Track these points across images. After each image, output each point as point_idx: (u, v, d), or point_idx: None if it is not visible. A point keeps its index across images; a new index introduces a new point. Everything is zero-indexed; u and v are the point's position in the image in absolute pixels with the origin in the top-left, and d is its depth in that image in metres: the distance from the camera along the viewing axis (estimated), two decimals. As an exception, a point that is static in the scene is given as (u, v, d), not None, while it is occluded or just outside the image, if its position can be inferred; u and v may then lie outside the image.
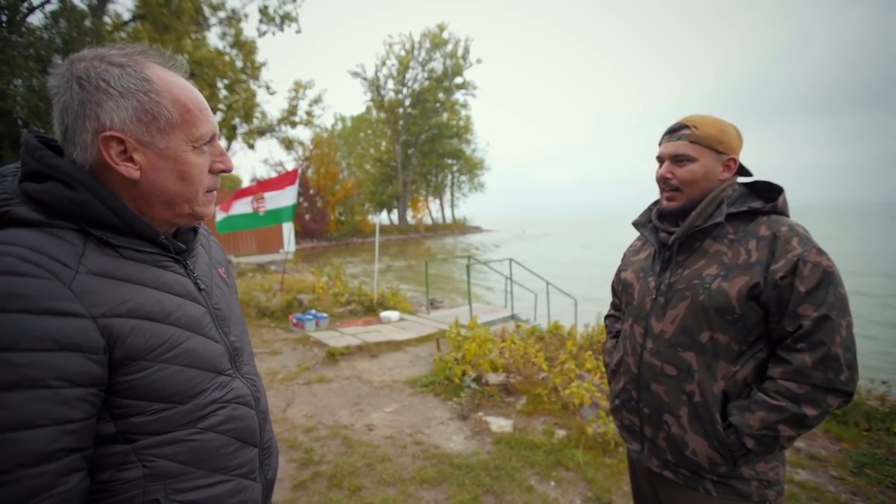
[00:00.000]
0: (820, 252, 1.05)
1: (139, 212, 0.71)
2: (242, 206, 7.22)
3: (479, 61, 46.99)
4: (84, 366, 0.60)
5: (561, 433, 3.17)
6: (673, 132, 1.19)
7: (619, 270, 1.43)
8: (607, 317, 1.54)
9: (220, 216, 7.30)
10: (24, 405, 0.56)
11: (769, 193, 1.19)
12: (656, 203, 1.32)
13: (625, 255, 1.46)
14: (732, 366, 1.10)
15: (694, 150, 1.15)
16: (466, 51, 45.85)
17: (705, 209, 1.16)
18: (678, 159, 1.17)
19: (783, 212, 1.14)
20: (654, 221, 1.29)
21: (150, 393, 0.66)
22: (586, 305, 8.91)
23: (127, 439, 0.66)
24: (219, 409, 0.75)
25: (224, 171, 0.79)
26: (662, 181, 1.20)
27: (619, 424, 1.35)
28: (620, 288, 1.40)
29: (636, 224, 1.34)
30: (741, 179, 1.25)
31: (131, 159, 0.68)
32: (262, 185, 7.49)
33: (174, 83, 0.71)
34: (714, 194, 1.17)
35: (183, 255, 0.79)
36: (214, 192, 0.79)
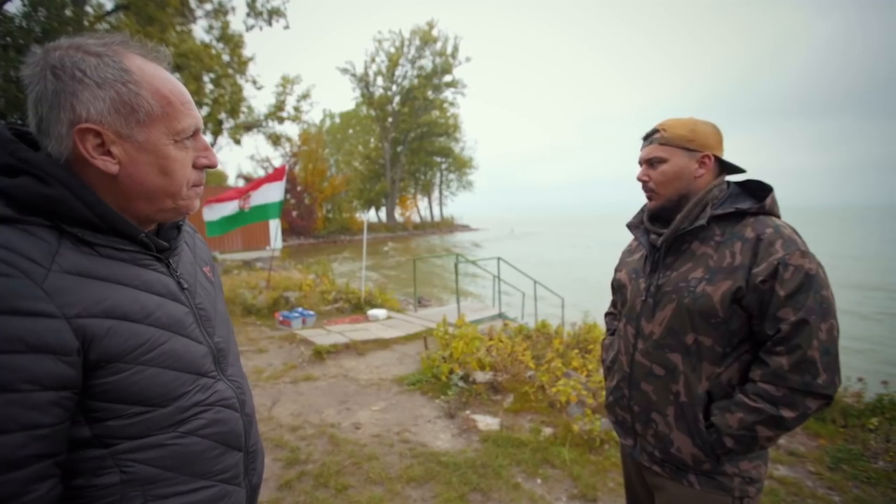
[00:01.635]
0: (804, 255, 1.04)
1: (119, 208, 0.69)
2: (230, 209, 7.22)
3: (468, 59, 47.07)
4: (55, 368, 0.57)
5: (547, 431, 3.19)
6: (647, 137, 1.23)
7: (616, 270, 1.45)
8: (607, 314, 1.57)
9: (207, 216, 7.25)
10: None
11: (761, 193, 1.18)
12: None
13: (622, 254, 1.47)
14: (717, 367, 1.12)
15: (664, 151, 1.18)
16: (456, 49, 45.82)
17: (691, 211, 1.17)
18: (651, 162, 1.21)
19: (772, 212, 1.13)
20: (645, 223, 1.30)
21: (127, 396, 0.64)
22: (573, 305, 8.98)
23: (104, 443, 0.64)
24: (201, 412, 0.73)
25: (209, 167, 0.76)
26: (641, 184, 1.25)
27: (612, 420, 1.38)
28: (616, 287, 1.42)
29: (629, 226, 1.36)
30: (733, 178, 1.24)
31: (109, 153, 0.65)
32: (250, 186, 7.47)
33: (155, 75, 0.68)
34: (700, 196, 1.17)
35: (165, 253, 0.77)
36: (200, 187, 0.77)
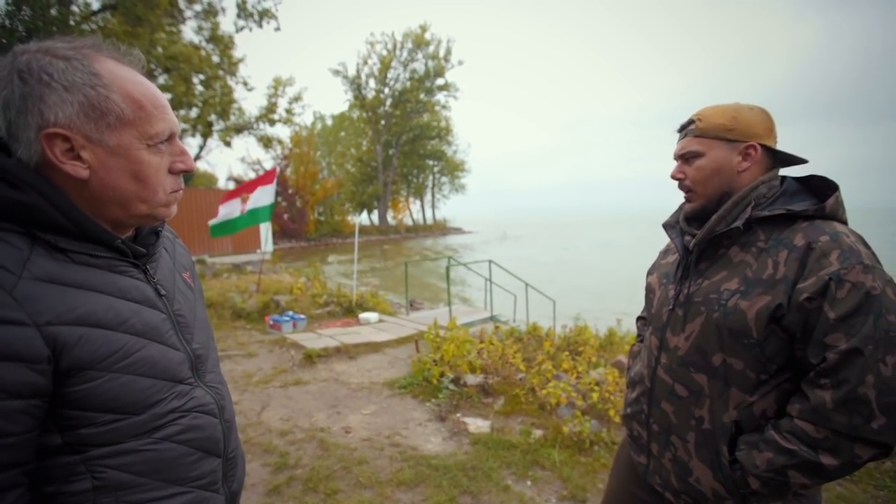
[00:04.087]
0: (867, 270, 0.86)
1: (92, 213, 0.68)
2: (234, 209, 7.20)
3: (460, 63, 47.14)
4: (25, 376, 0.57)
5: (538, 433, 3.20)
6: (682, 129, 1.10)
7: (648, 273, 1.30)
8: (638, 318, 1.42)
9: (212, 220, 7.23)
10: None
11: (825, 192, 0.99)
12: None
13: (657, 256, 1.32)
14: (748, 395, 0.96)
15: (700, 144, 1.04)
16: (448, 52, 45.93)
17: (730, 211, 1.02)
18: (686, 157, 1.07)
19: (835, 216, 0.95)
20: (680, 223, 1.16)
21: (100, 403, 0.64)
22: (564, 307, 9.02)
23: (75, 450, 0.64)
24: (178, 418, 0.72)
25: (185, 172, 0.76)
26: (677, 182, 1.11)
27: (627, 433, 1.25)
28: (646, 291, 1.28)
29: (665, 225, 1.21)
30: (793, 173, 1.06)
31: (79, 157, 0.65)
32: (246, 187, 7.45)
33: (127, 78, 0.67)
34: (742, 193, 1.01)
35: (143, 259, 0.76)
36: (179, 192, 0.76)
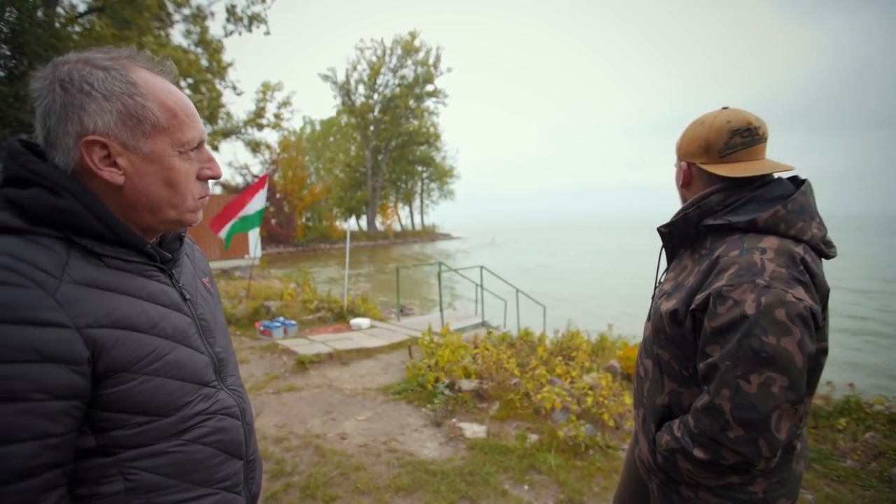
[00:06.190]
0: (755, 289, 0.87)
1: (123, 218, 0.69)
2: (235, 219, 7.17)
3: (449, 70, 47.47)
4: (67, 378, 0.58)
5: (533, 437, 3.23)
6: None
7: None
8: None
9: (222, 232, 7.15)
10: (2, 419, 0.54)
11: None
12: None
13: None
14: (678, 386, 1.05)
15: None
16: (438, 59, 46.22)
17: (672, 220, 1.13)
18: None
19: (773, 230, 0.94)
20: None
21: (133, 406, 0.65)
22: (554, 313, 9.07)
23: (108, 452, 0.65)
24: (205, 420, 0.74)
25: (212, 178, 0.77)
26: None
27: None
28: None
29: None
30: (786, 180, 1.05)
31: (115, 164, 0.66)
32: (246, 196, 7.36)
33: (161, 87, 0.69)
34: (688, 202, 1.09)
35: (168, 264, 0.77)
36: (206, 198, 0.78)
